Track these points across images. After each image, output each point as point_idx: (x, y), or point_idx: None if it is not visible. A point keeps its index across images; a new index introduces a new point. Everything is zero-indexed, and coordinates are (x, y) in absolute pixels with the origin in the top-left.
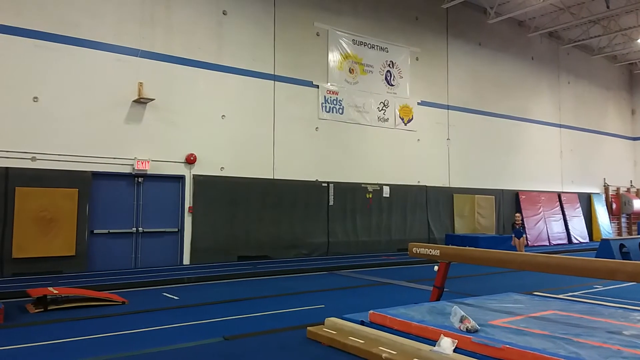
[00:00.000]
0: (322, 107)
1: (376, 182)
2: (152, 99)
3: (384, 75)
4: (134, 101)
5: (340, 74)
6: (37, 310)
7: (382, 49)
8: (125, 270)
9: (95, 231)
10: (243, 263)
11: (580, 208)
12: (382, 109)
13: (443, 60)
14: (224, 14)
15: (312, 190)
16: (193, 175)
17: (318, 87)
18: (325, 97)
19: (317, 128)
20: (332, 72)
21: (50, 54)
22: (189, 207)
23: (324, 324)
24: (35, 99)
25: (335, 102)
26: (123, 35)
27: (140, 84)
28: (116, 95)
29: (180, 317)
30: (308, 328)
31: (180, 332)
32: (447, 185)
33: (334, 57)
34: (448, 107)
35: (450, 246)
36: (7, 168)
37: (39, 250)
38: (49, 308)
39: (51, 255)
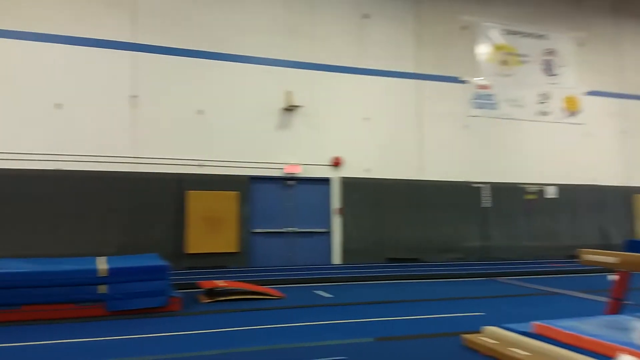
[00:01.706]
0: (471, 103)
1: (537, 182)
2: (299, 106)
3: (542, 65)
4: (283, 109)
5: (491, 67)
6: (207, 301)
7: (539, 36)
8: (281, 267)
9: (254, 230)
10: (393, 265)
11: None
12: (541, 102)
13: (614, 44)
14: (364, 17)
15: (463, 192)
16: (339, 177)
17: (466, 83)
18: (474, 92)
19: (466, 126)
20: (481, 66)
21: (211, 70)
22: (337, 209)
23: (481, 333)
24: (200, 112)
25: (486, 97)
26: (271, 47)
27: (288, 92)
28: (267, 105)
29: (332, 314)
30: (464, 336)
31: (332, 329)
32: (625, 185)
33: (483, 50)
34: (624, 96)
35: (631, 253)
36: (180, 174)
37: (207, 247)
38: (217, 299)
39: (218, 252)
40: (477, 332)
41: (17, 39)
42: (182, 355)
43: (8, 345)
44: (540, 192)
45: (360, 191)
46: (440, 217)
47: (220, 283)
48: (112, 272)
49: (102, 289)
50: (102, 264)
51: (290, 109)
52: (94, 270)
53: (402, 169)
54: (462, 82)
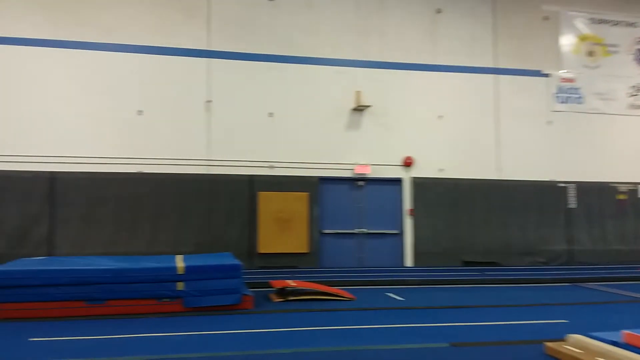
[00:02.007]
0: (555, 97)
1: (629, 181)
2: (369, 106)
3: (634, 55)
4: (353, 109)
5: (577, 59)
6: (278, 300)
7: (629, 24)
8: (351, 269)
9: (323, 231)
10: (469, 269)
11: None
12: (633, 95)
13: None
14: (437, 12)
15: (546, 192)
16: (411, 178)
17: (549, 76)
18: (558, 86)
19: (549, 122)
20: (565, 58)
21: (280, 73)
22: (409, 210)
23: (565, 341)
24: (271, 114)
25: (571, 91)
26: (340, 47)
27: (357, 92)
28: (336, 105)
29: (405, 318)
30: (546, 343)
31: (405, 332)
32: None
33: (567, 41)
34: None
35: None
36: (252, 175)
37: (278, 247)
38: (288, 298)
39: (288, 252)
40: (561, 340)
41: (102, 50)
42: (256, 352)
43: (94, 337)
44: (633, 192)
45: (434, 192)
46: (521, 218)
47: (292, 283)
48: (189, 270)
49: (181, 286)
50: (179, 262)
51: (360, 108)
52: (174, 268)
53: (478, 168)
54: (544, 75)
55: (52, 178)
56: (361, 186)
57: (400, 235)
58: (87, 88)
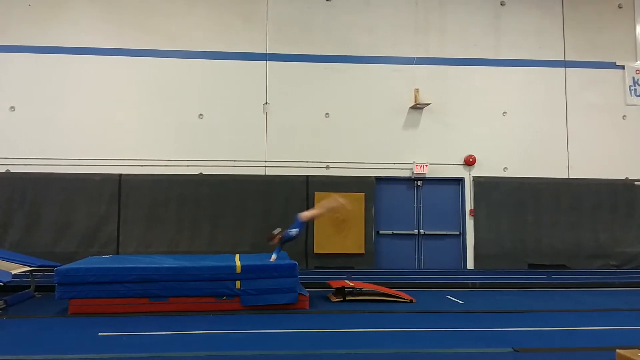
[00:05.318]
0: (630, 90)
1: None
2: (428, 104)
3: None
4: (411, 107)
5: None
6: (336, 300)
7: None
8: (409, 270)
9: (380, 232)
10: (534, 272)
11: None
12: None
13: None
14: (501, 4)
15: (619, 191)
16: (473, 177)
17: (623, 68)
18: (634, 78)
19: (624, 116)
20: None
21: (337, 73)
22: (470, 210)
23: (639, 348)
24: (327, 114)
25: None
26: (398, 45)
27: (416, 90)
28: (394, 104)
29: (465, 321)
30: (618, 351)
31: (465, 336)
32: None
33: None
34: None
35: None
36: (307, 176)
37: (334, 248)
38: (346, 298)
39: (344, 252)
40: (635, 347)
41: (166, 57)
42: (312, 352)
43: (158, 333)
44: None
45: (497, 191)
46: (591, 219)
47: (349, 283)
48: (245, 269)
49: (239, 284)
50: (237, 261)
51: (419, 107)
52: (233, 267)
53: (545, 166)
54: (619, 67)
55: (119, 180)
56: (419, 186)
57: (460, 236)
58: (152, 94)
